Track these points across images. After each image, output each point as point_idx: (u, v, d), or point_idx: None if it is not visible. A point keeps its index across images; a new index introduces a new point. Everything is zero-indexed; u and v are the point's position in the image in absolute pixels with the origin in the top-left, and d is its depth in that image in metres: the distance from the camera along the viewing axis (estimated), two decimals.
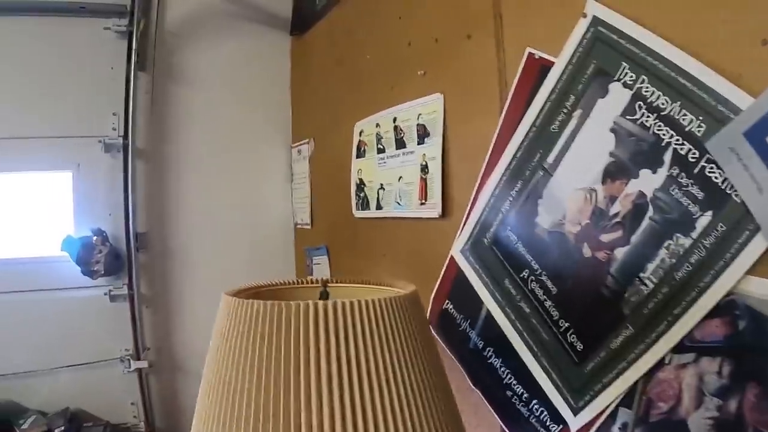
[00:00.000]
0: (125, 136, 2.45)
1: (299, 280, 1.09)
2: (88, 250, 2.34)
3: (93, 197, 2.46)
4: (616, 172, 1.03)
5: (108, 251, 2.35)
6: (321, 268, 2.34)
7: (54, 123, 2.42)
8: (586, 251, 1.08)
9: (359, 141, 1.94)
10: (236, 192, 2.67)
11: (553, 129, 1.15)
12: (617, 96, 1.02)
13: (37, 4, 2.40)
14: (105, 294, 2.41)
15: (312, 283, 1.08)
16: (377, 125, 1.81)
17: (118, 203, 2.45)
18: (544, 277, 1.18)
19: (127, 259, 2.43)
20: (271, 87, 2.75)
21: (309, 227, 2.49)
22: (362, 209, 1.93)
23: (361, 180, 1.92)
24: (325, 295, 1.05)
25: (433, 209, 1.52)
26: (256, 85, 2.73)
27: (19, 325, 2.33)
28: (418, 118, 1.59)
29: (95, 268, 2.34)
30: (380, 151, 1.80)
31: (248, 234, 2.68)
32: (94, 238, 2.36)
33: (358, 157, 1.95)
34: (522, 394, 1.26)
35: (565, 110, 1.12)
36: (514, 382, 1.28)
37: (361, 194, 1.92)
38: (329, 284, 1.08)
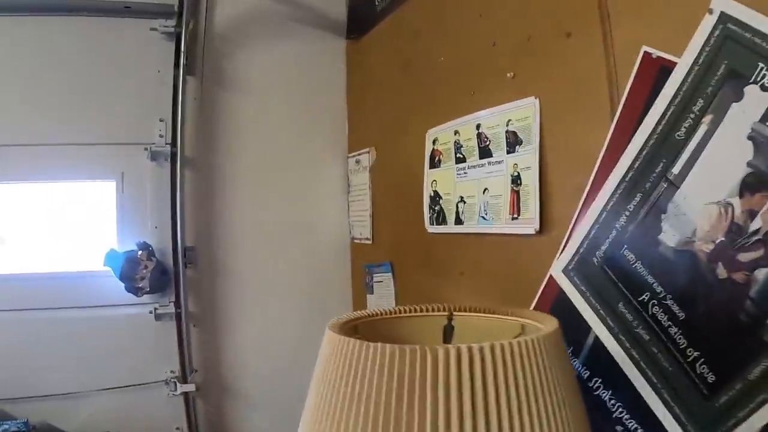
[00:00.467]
0: (173, 144, 2.46)
1: (411, 308, 1.04)
2: (133, 265, 2.35)
3: (138, 208, 2.47)
4: (755, 184, 0.99)
5: (154, 267, 2.35)
6: (382, 285, 2.32)
7: (97, 129, 2.44)
8: (721, 272, 1.04)
9: (433, 150, 1.92)
10: (289, 204, 2.67)
11: (679, 136, 1.11)
12: (755, 100, 0.99)
13: (80, 4, 2.42)
14: (150, 312, 2.41)
15: (428, 311, 1.03)
16: (455, 133, 1.79)
17: (165, 215, 2.45)
18: (669, 301, 1.14)
19: (175, 275, 2.42)
20: (325, 93, 2.75)
21: (369, 242, 2.46)
22: (437, 224, 1.90)
23: (435, 192, 1.90)
24: (450, 330, 1.01)
25: (528, 225, 1.48)
26: (310, 91, 2.73)
27: (58, 344, 2.34)
28: (507, 125, 1.56)
29: (140, 285, 2.34)
30: (459, 160, 1.78)
31: (301, 248, 2.67)
32: (140, 252, 2.36)
33: (431, 167, 1.93)
34: (635, 429, 1.22)
35: (692, 115, 1.09)
36: (627, 416, 1.23)
37: (436, 207, 1.89)
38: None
